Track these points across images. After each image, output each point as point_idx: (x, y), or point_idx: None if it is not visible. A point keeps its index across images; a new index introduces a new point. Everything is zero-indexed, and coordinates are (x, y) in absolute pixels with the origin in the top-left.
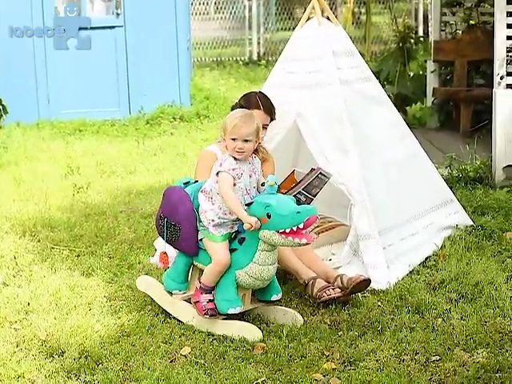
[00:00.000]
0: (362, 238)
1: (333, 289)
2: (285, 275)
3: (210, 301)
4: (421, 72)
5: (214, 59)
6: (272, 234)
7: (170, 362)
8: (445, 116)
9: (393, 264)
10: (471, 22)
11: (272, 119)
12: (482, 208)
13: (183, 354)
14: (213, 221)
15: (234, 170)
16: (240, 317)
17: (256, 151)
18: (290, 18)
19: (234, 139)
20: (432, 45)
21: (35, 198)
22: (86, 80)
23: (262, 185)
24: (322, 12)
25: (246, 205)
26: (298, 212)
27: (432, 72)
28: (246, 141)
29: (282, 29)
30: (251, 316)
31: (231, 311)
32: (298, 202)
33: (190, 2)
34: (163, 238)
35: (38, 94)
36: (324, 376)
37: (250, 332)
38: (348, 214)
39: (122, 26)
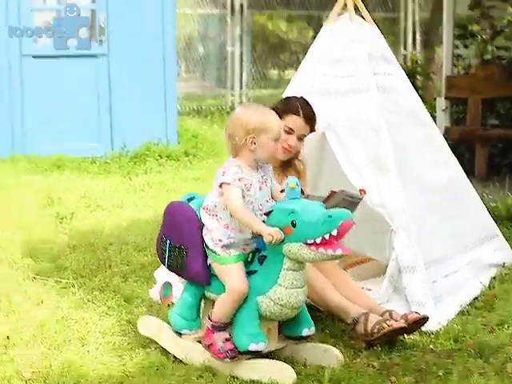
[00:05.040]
0: (405, 270)
1: (395, 320)
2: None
3: (227, 340)
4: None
5: (194, 108)
6: (299, 247)
7: None
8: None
9: (440, 302)
10: (485, 56)
11: (312, 131)
12: None
13: None
14: (220, 241)
15: (240, 179)
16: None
17: (290, 164)
18: (264, 79)
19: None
20: (444, 81)
21: (13, 228)
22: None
23: (282, 191)
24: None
25: (264, 214)
26: (330, 216)
27: (443, 110)
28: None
29: (258, 87)
30: (281, 358)
31: (253, 347)
32: None
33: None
34: (165, 266)
35: (13, 126)
36: None
37: (282, 373)
38: (388, 242)
39: (105, 55)
